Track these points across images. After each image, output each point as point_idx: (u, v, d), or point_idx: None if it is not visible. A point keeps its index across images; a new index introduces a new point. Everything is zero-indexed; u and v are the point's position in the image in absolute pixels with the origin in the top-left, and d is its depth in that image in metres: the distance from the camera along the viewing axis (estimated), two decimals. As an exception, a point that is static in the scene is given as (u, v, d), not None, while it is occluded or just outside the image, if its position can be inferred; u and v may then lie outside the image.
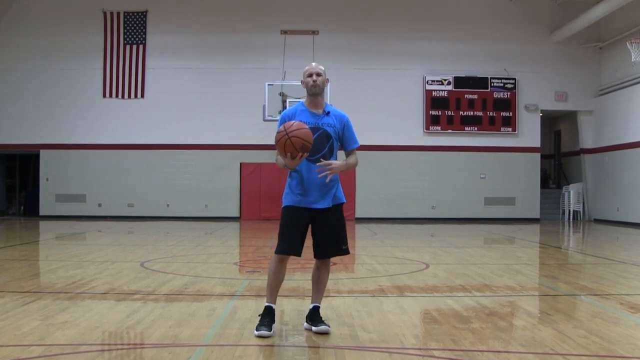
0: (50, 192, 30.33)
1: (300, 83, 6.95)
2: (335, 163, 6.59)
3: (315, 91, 6.78)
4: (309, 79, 6.78)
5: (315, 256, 6.84)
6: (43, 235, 21.52)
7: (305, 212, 6.70)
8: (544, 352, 6.03)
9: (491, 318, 7.54)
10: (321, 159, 6.63)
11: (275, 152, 6.66)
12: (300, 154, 6.38)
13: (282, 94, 26.24)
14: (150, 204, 30.19)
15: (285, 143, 6.35)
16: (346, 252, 6.88)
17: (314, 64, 6.92)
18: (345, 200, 6.92)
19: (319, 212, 6.70)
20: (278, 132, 6.43)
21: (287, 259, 6.82)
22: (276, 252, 6.76)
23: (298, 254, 6.76)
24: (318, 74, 6.80)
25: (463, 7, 30.88)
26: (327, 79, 6.95)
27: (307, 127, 6.45)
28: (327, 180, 6.54)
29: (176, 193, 30.20)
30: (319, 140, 6.64)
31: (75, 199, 30.23)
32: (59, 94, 30.22)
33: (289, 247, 6.72)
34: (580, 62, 30.90)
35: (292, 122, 6.50)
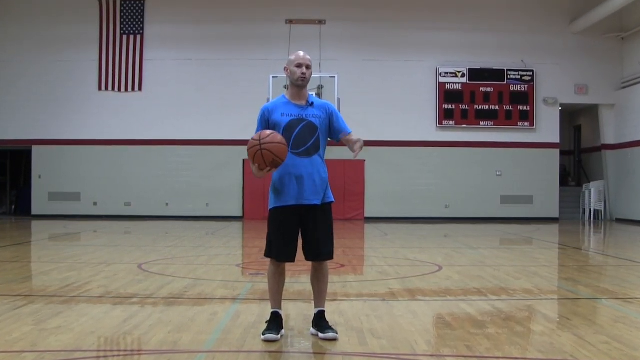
0: (43, 190, 30.39)
1: (284, 70, 6.86)
2: (358, 139, 6.67)
3: (302, 84, 6.74)
4: (298, 70, 6.71)
5: (307, 258, 6.80)
6: (35, 235, 21.57)
7: (294, 211, 6.66)
8: (563, 358, 6.02)
9: (508, 323, 7.52)
10: (307, 150, 6.61)
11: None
12: (268, 168, 6.36)
13: (287, 87, 26.20)
14: (149, 202, 30.23)
15: (255, 154, 6.32)
16: (331, 256, 6.85)
17: (301, 53, 6.82)
18: (334, 199, 6.90)
19: (309, 210, 6.67)
20: (252, 139, 6.38)
21: (284, 263, 6.84)
22: (265, 256, 6.83)
23: (289, 260, 6.75)
24: (308, 67, 6.74)
25: (478, -6, 30.89)
26: (311, 72, 6.89)
27: (283, 141, 6.38)
28: (355, 156, 6.65)
29: (176, 191, 30.23)
30: (303, 132, 6.61)
31: (69, 198, 30.28)
32: (52, 87, 30.27)
33: (278, 254, 6.73)
34: (601, 53, 30.82)
35: (268, 132, 6.42)
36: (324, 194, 6.72)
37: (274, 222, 6.76)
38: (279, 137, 6.39)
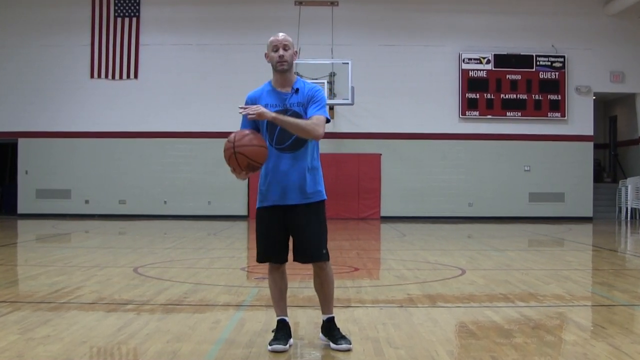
0: (30, 187, 30.46)
1: (265, 57, 6.82)
2: (264, 109, 6.44)
3: (282, 68, 6.67)
4: (275, 54, 6.66)
5: (294, 260, 6.78)
6: (22, 236, 21.64)
7: (278, 211, 6.64)
8: (598, 371, 6.02)
9: (537, 332, 7.51)
10: (293, 145, 6.55)
11: None
12: (244, 172, 6.34)
13: (296, 74, 26.18)
14: (145, 200, 30.28)
15: (230, 157, 6.31)
16: (326, 257, 6.75)
17: (280, 34, 6.74)
18: (325, 197, 6.83)
19: (294, 209, 6.63)
20: (227, 140, 6.36)
21: (282, 266, 6.84)
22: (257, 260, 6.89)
23: (278, 261, 6.77)
24: (285, 47, 6.66)
25: (504, -27, 30.81)
26: (296, 52, 6.82)
27: (262, 143, 6.35)
28: (242, 112, 6.44)
29: (175, 188, 30.26)
30: None
31: (58, 195, 30.35)
32: (40, 74, 30.31)
33: (264, 255, 6.79)
34: (639, 38, 30.71)
35: (246, 132, 6.43)
36: (313, 192, 6.67)
37: (258, 223, 6.81)
38: (256, 139, 6.37)
